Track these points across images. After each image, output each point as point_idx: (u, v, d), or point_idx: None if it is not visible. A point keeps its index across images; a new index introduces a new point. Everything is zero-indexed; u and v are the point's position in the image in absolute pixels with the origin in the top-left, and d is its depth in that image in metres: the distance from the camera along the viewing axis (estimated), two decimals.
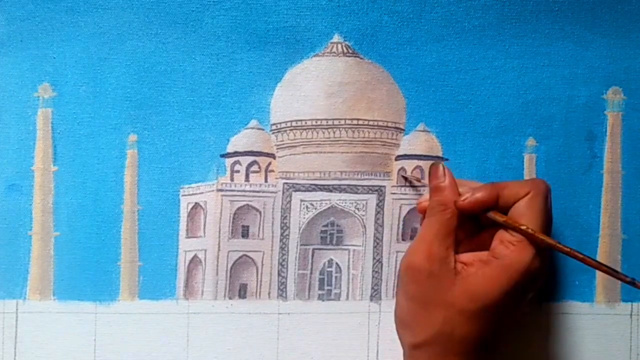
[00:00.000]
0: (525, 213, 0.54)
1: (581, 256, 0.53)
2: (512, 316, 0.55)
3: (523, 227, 0.53)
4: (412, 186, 0.64)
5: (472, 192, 0.55)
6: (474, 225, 0.57)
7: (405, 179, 0.64)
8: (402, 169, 0.64)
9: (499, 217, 0.54)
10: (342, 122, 0.63)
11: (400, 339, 0.57)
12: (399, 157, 0.64)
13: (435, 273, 0.54)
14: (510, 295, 0.53)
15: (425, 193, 0.59)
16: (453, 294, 0.53)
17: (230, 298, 0.63)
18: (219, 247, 0.63)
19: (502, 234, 0.54)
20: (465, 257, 0.55)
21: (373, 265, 0.64)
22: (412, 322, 0.55)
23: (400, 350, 0.57)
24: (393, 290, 0.64)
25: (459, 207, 0.55)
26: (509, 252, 0.53)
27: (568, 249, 0.53)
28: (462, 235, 0.57)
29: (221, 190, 0.63)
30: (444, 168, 0.57)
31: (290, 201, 0.64)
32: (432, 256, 0.54)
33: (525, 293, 0.54)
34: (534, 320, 0.64)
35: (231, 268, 0.63)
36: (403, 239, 0.64)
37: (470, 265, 0.54)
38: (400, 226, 0.64)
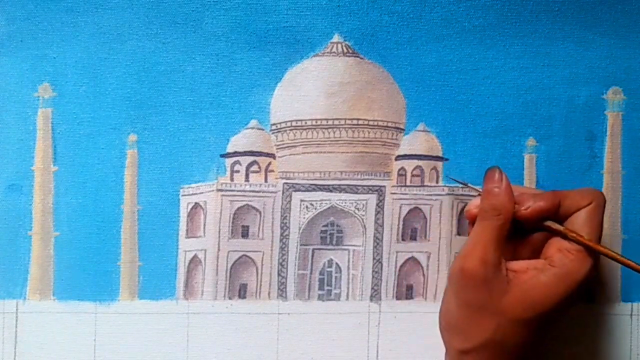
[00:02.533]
0: (586, 223, 0.53)
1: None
2: (560, 322, 0.55)
3: (584, 238, 0.53)
4: (460, 184, 0.63)
5: (533, 200, 0.54)
6: (515, 232, 0.56)
7: (454, 180, 0.63)
8: (434, 169, 0.64)
9: (557, 227, 0.54)
10: (342, 122, 0.63)
11: (446, 342, 0.56)
12: (399, 157, 0.64)
13: (489, 279, 0.53)
14: (564, 303, 0.52)
15: (476, 199, 0.57)
16: (507, 302, 0.52)
17: (230, 298, 0.63)
18: (218, 247, 0.63)
19: (559, 242, 0.54)
20: (515, 264, 0.54)
21: (373, 265, 0.64)
22: (462, 327, 0.54)
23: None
24: (393, 290, 0.64)
25: (521, 216, 0.54)
26: (568, 261, 0.53)
27: (630, 262, 0.53)
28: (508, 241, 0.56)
29: (221, 190, 0.63)
30: (500, 173, 0.55)
31: (290, 201, 0.64)
32: (487, 262, 0.53)
33: (575, 300, 0.54)
34: None
35: (231, 268, 0.63)
36: (403, 239, 0.64)
37: (523, 273, 0.53)
38: (400, 226, 0.64)
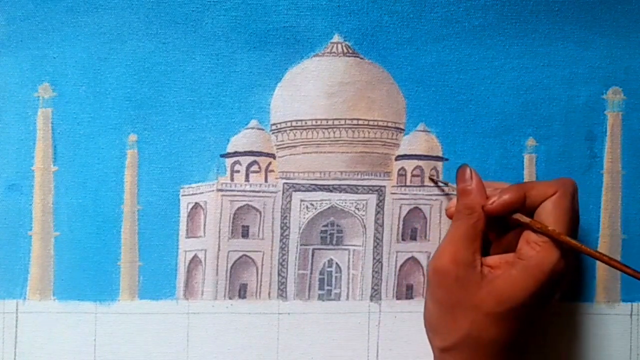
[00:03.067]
0: (552, 213, 0.53)
1: (606, 258, 0.52)
2: (539, 317, 0.55)
3: (548, 229, 0.53)
4: (437, 186, 0.64)
5: (499, 195, 0.54)
6: (501, 226, 0.56)
7: (433, 181, 0.63)
8: (434, 168, 0.64)
9: (524, 219, 0.54)
10: (342, 122, 0.63)
11: (429, 341, 0.56)
12: (399, 157, 0.64)
13: (461, 277, 0.53)
14: (535, 297, 0.52)
15: (454, 197, 0.58)
16: (480, 297, 0.53)
17: (230, 298, 0.63)
18: (219, 247, 0.63)
19: (528, 235, 0.54)
20: (491, 259, 0.55)
21: (373, 265, 0.64)
22: (440, 325, 0.55)
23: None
24: (393, 290, 0.64)
25: (487, 211, 0.54)
26: (534, 253, 0.53)
27: (592, 251, 0.53)
28: (490, 237, 0.56)
29: (221, 190, 0.63)
30: (471, 171, 0.56)
31: (290, 201, 0.64)
32: (459, 260, 0.53)
33: (550, 294, 0.54)
34: None
35: (231, 268, 0.63)
36: (403, 239, 0.64)
37: (497, 268, 0.54)
38: (400, 226, 0.64)
